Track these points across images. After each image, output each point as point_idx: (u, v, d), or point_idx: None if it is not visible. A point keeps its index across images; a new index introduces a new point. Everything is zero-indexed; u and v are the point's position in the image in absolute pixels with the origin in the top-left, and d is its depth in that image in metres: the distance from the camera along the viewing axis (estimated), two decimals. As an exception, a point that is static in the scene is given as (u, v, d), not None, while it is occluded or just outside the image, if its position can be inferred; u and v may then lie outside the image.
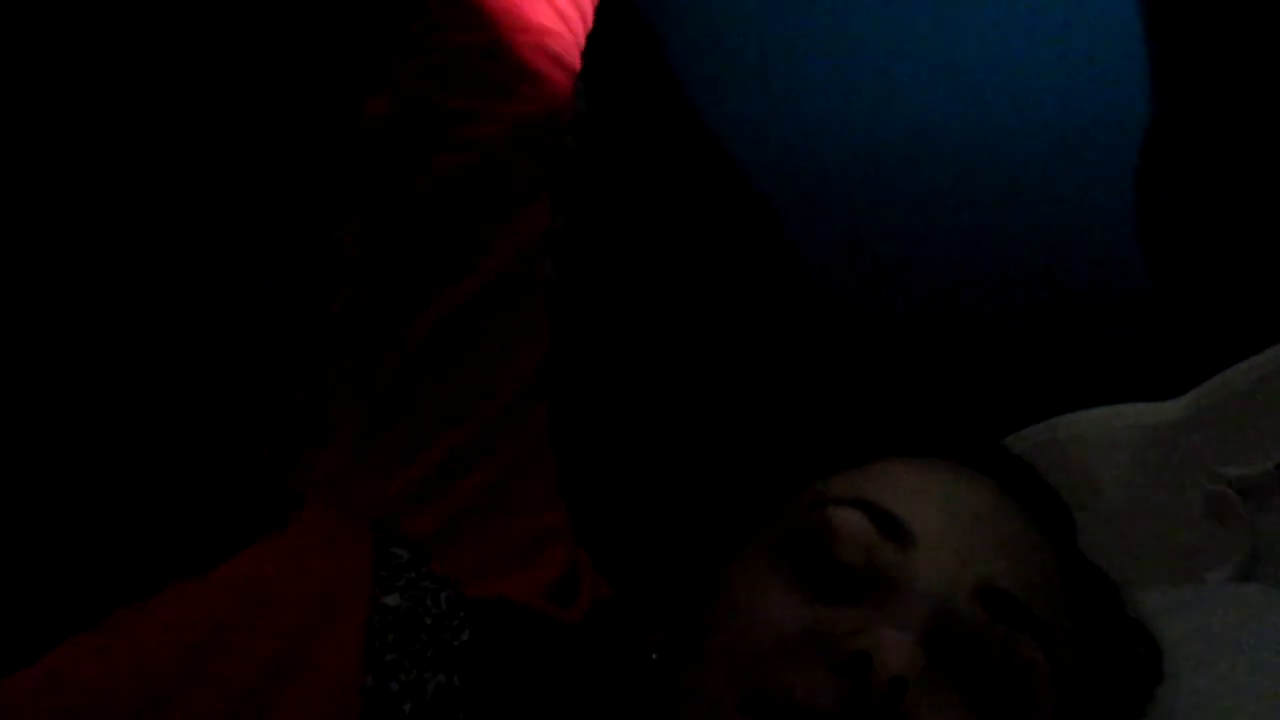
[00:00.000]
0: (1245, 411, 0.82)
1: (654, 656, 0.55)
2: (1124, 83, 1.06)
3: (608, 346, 0.88)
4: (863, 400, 0.95)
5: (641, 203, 1.52)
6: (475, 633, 0.50)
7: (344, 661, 0.47)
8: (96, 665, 0.49)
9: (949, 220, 1.19)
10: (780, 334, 1.16)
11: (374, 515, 0.53)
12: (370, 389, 0.56)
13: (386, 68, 0.60)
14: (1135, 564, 0.77)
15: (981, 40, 1.12)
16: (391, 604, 0.49)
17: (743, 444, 0.89)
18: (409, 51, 0.62)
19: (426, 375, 0.56)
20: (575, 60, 0.68)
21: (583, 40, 0.69)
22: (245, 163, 1.45)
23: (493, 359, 0.56)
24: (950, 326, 1.20)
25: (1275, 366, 0.80)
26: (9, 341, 1.52)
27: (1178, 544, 0.82)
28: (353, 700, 0.46)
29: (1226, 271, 1.01)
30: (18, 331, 1.56)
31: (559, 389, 0.57)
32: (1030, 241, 1.12)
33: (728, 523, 0.59)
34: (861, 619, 0.49)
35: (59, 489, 1.54)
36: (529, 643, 0.52)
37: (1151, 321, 1.04)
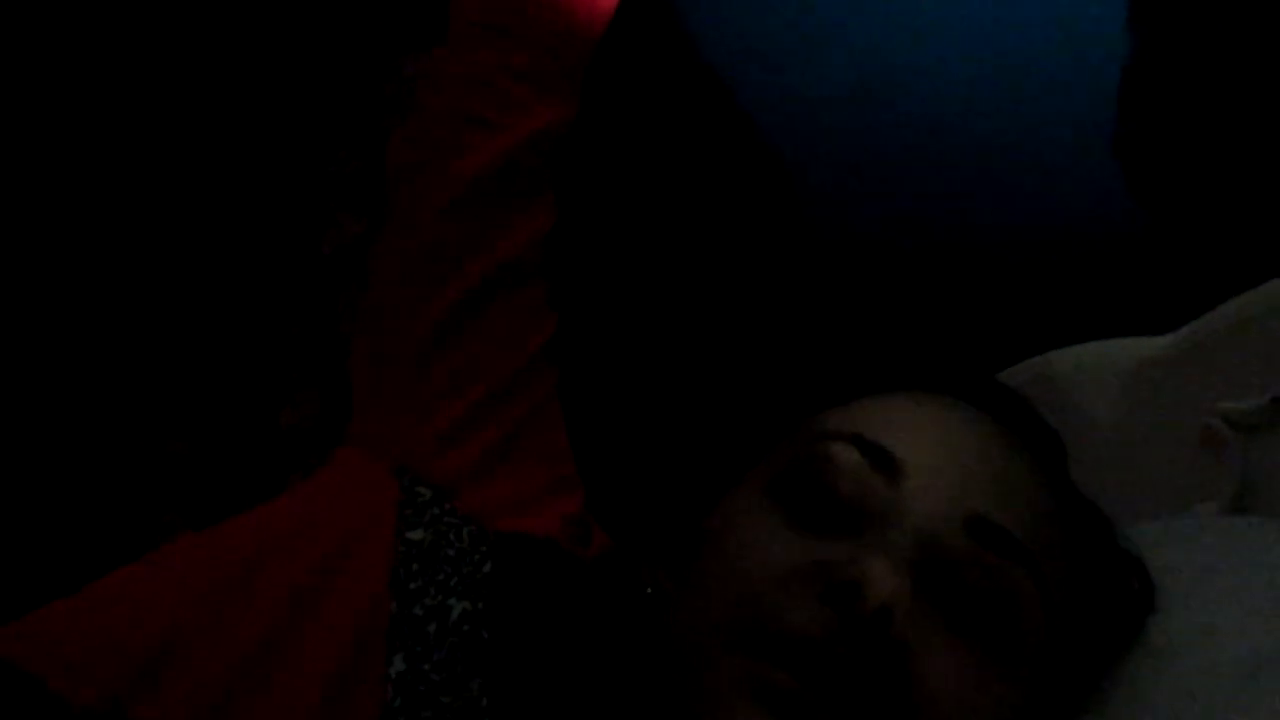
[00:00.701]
0: (1239, 346, 0.82)
1: (649, 592, 0.56)
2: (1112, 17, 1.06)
3: (605, 295, 0.89)
4: (857, 336, 0.95)
5: (633, 137, 1.51)
6: (497, 564, 0.52)
7: (369, 587, 0.50)
8: (120, 605, 0.51)
9: (942, 156, 1.19)
10: (775, 269, 1.16)
11: (401, 460, 0.55)
12: (397, 351, 0.61)
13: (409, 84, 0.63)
14: (1127, 497, 0.78)
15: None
16: (415, 538, 0.52)
17: (737, 384, 0.90)
18: (432, 71, 0.65)
19: (448, 341, 0.60)
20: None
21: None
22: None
23: (508, 327, 0.60)
24: (943, 263, 1.20)
25: (1269, 301, 0.80)
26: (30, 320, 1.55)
27: (1170, 477, 0.83)
28: (379, 623, 0.49)
29: (1217, 206, 1.01)
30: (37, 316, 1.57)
31: (565, 350, 0.60)
32: (1022, 177, 1.12)
33: (722, 462, 0.60)
34: (849, 551, 0.50)
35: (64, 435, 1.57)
36: (548, 575, 0.54)
37: (1144, 255, 1.04)
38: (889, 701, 0.48)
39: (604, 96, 0.68)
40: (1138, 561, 0.60)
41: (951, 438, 0.55)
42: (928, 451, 0.54)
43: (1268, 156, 0.99)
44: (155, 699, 0.47)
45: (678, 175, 1.25)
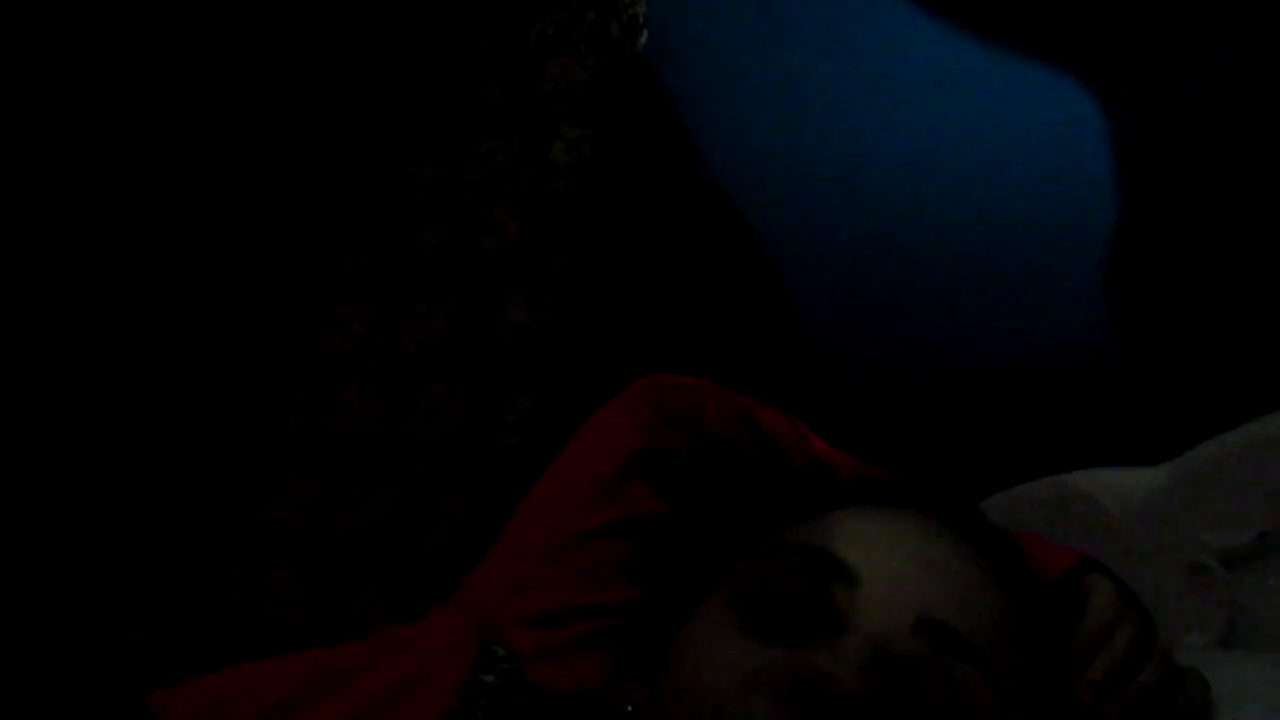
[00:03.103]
0: (1229, 479, 0.83)
1: (629, 710, 0.59)
2: (1096, 183, 1.12)
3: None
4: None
5: (644, 247, 1.55)
6: (548, 715, 0.59)
7: (440, 707, 0.57)
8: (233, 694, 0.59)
9: (936, 297, 1.23)
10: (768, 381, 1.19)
11: (486, 624, 0.63)
12: (527, 549, 0.70)
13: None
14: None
15: (974, 136, 1.19)
16: (487, 680, 0.59)
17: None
18: None
19: (567, 555, 0.68)
20: None
21: None
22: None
23: (615, 564, 0.68)
24: (924, 383, 1.23)
25: (1260, 436, 0.82)
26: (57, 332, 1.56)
27: (1160, 605, 0.83)
28: None
29: (1199, 343, 1.04)
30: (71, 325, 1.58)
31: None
32: (1005, 305, 1.16)
33: (690, 579, 0.63)
34: (806, 655, 0.51)
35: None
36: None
37: (1123, 386, 1.07)
38: None
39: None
40: (1192, 672, 0.60)
41: (906, 546, 0.57)
42: (881, 560, 0.56)
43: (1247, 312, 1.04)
44: None
45: (681, 272, 1.28)
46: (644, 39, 1.64)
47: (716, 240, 1.44)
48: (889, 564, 0.56)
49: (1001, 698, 0.53)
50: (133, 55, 1.74)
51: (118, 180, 1.76)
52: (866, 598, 0.54)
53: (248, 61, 1.84)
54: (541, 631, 0.63)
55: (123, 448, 1.73)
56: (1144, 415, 1.06)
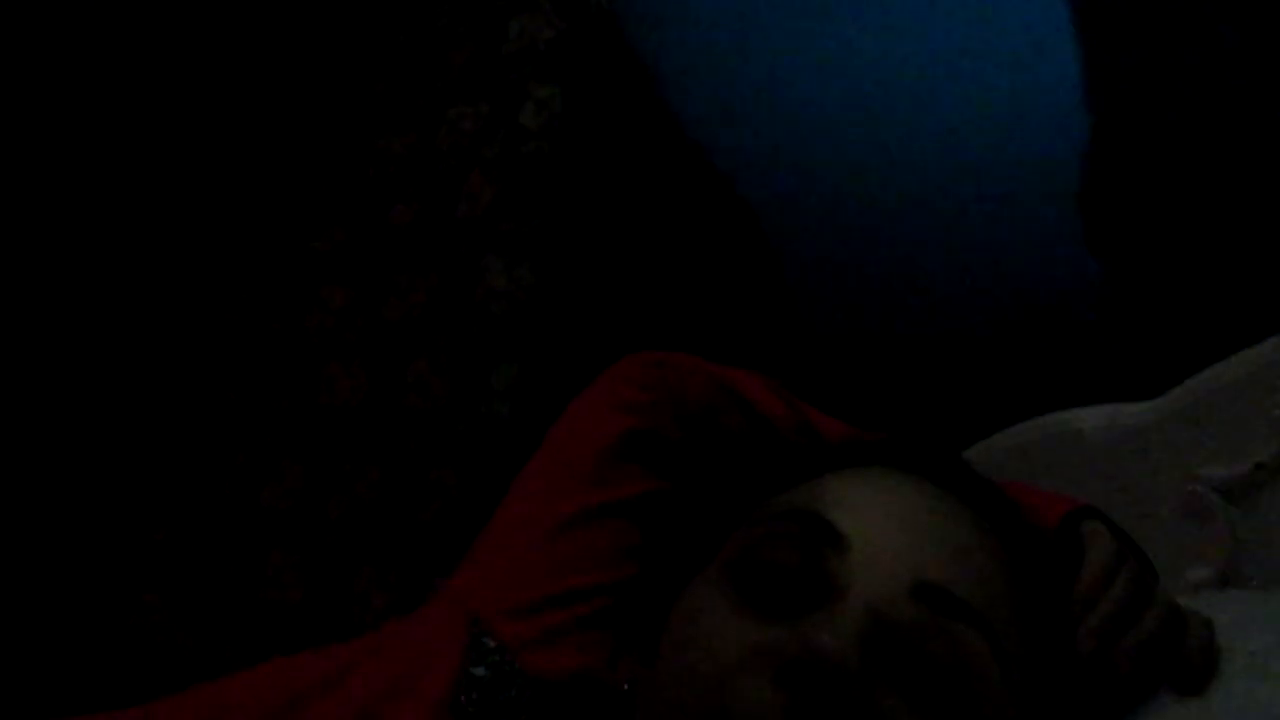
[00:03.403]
0: (1224, 411, 0.82)
1: (626, 688, 0.59)
2: (1067, 105, 1.11)
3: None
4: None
5: (619, 208, 1.53)
6: (540, 706, 0.59)
7: (432, 704, 0.57)
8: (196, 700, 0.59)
9: (917, 235, 1.21)
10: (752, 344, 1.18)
11: (477, 614, 0.63)
12: (520, 534, 0.70)
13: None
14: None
15: (950, 72, 1.16)
16: (477, 674, 0.59)
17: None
18: None
19: (559, 539, 0.68)
20: None
21: None
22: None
23: (610, 548, 0.67)
24: (923, 338, 1.22)
25: (1253, 367, 0.81)
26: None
27: (1156, 544, 0.82)
28: None
29: (1195, 272, 1.03)
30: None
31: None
32: (998, 250, 1.15)
33: (683, 553, 0.62)
34: (799, 629, 0.50)
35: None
36: (582, 706, 0.60)
37: (1122, 321, 1.06)
38: None
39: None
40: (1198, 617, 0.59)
41: (897, 509, 0.56)
42: (874, 524, 0.55)
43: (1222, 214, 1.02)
44: None
45: (659, 231, 1.27)
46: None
47: (690, 190, 1.42)
48: (883, 528, 0.55)
49: (1002, 657, 0.52)
50: (102, 40, 1.70)
51: (91, 171, 1.73)
52: (861, 563, 0.53)
53: (212, 47, 1.80)
54: (532, 619, 0.62)
55: (112, 441, 1.72)
56: (1132, 350, 1.05)
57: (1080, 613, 0.57)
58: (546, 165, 1.62)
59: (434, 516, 1.53)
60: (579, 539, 0.66)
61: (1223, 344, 0.86)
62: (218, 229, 1.79)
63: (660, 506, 0.70)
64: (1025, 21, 1.21)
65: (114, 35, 1.72)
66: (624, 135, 1.54)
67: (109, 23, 1.70)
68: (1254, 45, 1.07)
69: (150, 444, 1.73)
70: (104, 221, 1.73)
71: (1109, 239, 1.13)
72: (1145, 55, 1.13)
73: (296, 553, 1.63)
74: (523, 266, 1.58)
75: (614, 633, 0.63)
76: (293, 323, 1.75)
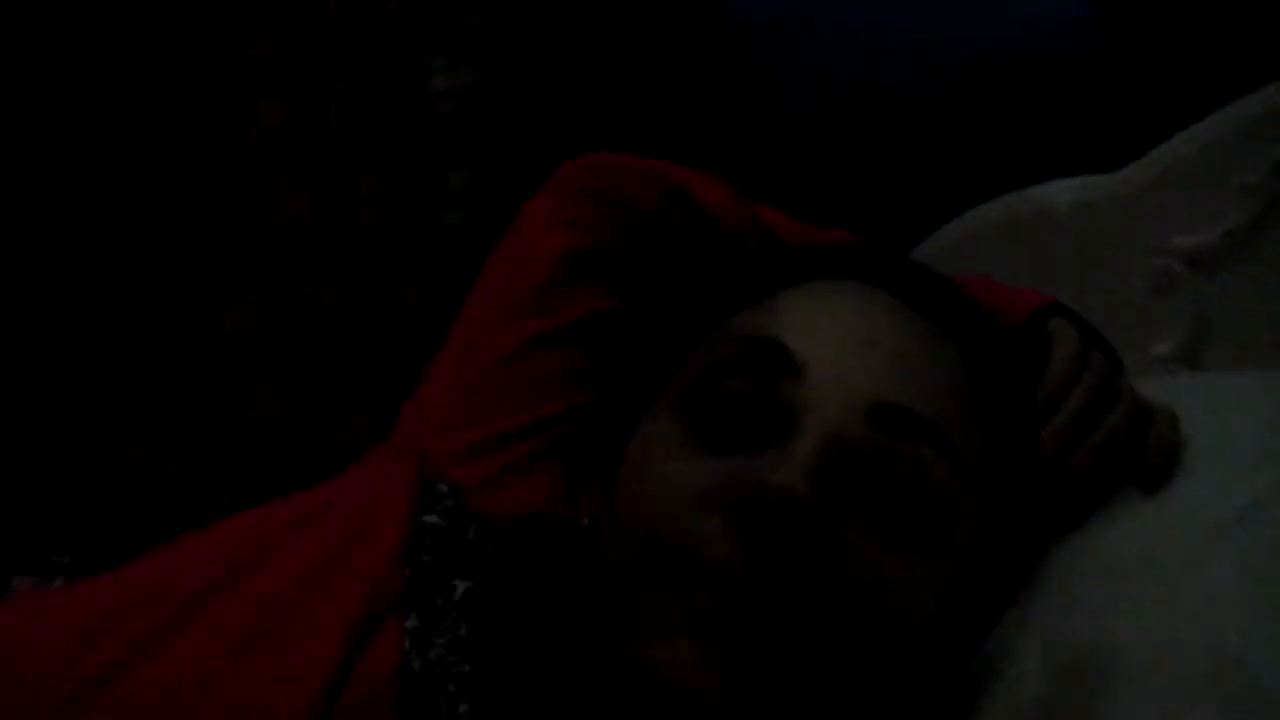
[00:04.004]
0: (1190, 180, 0.80)
1: (586, 523, 0.57)
2: None
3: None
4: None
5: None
6: (498, 547, 0.57)
7: (386, 556, 0.55)
8: (140, 572, 0.58)
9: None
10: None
11: (425, 460, 0.60)
12: (464, 374, 0.66)
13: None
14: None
15: None
16: (430, 521, 0.57)
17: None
18: None
19: (498, 375, 0.64)
20: None
21: None
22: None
23: (555, 378, 0.64)
24: (892, 106, 1.17)
25: (1218, 133, 0.77)
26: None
27: (1121, 318, 0.81)
28: (394, 588, 0.53)
29: (1163, 36, 0.98)
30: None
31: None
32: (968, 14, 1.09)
33: (638, 378, 0.60)
34: (752, 464, 0.49)
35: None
36: (540, 546, 0.58)
37: (1090, 90, 1.01)
38: (812, 606, 0.48)
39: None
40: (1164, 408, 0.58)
41: (854, 328, 0.54)
42: (830, 346, 0.53)
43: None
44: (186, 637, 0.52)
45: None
46: None
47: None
48: (839, 350, 0.53)
49: (962, 473, 0.51)
50: None
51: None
52: (816, 389, 0.51)
53: None
54: (483, 459, 0.60)
55: (71, 277, 1.68)
56: (1126, 114, 1.00)
57: (1044, 416, 0.56)
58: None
59: (397, 333, 1.51)
60: (523, 372, 0.63)
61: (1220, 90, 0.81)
62: (143, 41, 1.69)
63: (611, 327, 0.66)
64: None
65: None
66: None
67: None
68: None
69: (101, 272, 1.69)
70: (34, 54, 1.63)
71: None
72: None
73: (267, 375, 1.62)
74: (464, 65, 1.50)
75: (569, 466, 0.62)
76: (233, 140, 1.67)
